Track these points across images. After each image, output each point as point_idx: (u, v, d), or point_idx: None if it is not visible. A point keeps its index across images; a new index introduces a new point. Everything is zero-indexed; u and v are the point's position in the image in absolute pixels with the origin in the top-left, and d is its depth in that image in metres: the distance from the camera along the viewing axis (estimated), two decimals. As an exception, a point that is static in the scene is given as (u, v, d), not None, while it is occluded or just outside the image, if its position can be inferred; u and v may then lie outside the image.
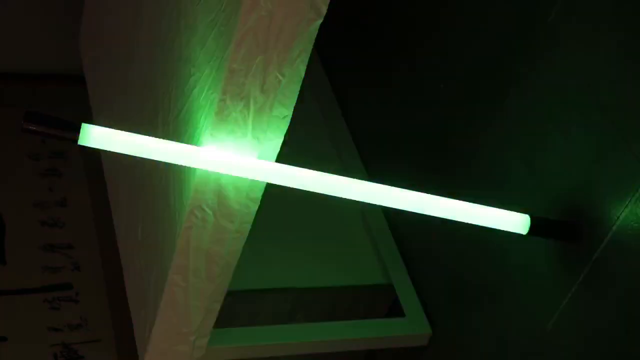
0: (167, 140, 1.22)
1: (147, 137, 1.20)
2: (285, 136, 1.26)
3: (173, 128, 1.38)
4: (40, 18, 2.36)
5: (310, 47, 1.18)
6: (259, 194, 1.32)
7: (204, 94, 1.26)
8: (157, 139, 1.21)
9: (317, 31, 1.17)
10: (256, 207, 1.33)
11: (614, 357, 1.34)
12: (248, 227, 1.36)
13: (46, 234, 2.17)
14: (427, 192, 1.33)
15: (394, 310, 1.83)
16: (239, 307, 1.70)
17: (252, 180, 1.28)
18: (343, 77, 2.17)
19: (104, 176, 1.83)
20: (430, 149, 1.82)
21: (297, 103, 1.24)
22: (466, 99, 1.72)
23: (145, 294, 1.52)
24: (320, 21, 1.16)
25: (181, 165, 1.30)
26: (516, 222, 1.38)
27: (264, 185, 1.30)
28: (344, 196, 1.30)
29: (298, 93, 1.22)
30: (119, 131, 1.19)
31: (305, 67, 1.20)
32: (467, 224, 1.37)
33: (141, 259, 1.57)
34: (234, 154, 1.25)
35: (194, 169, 1.27)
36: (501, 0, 1.62)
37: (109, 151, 1.19)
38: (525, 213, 1.39)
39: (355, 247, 1.89)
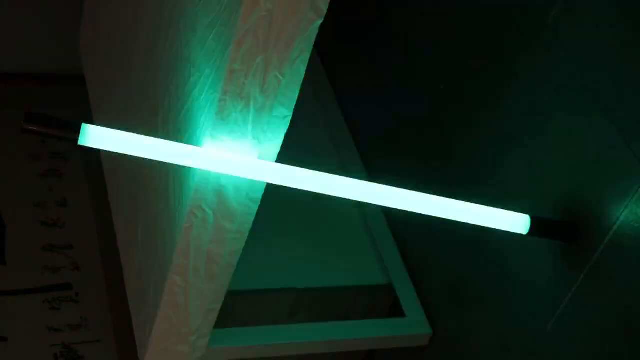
0: (167, 140, 1.22)
1: (147, 137, 1.20)
2: (285, 136, 1.26)
3: (173, 128, 1.38)
4: (40, 18, 2.36)
5: (310, 47, 1.18)
6: (259, 194, 1.32)
7: (204, 94, 1.26)
8: (157, 139, 1.21)
9: (317, 31, 1.17)
10: (256, 207, 1.33)
11: (614, 357, 1.34)
12: (248, 227, 1.36)
13: (46, 234, 2.17)
14: (427, 192, 1.33)
15: (394, 310, 1.83)
16: (239, 307, 1.70)
17: (252, 180, 1.28)
18: (343, 77, 2.17)
19: (104, 176, 1.83)
20: (431, 149, 1.83)
21: (297, 103, 1.24)
22: (466, 99, 1.72)
23: (145, 294, 1.52)
24: (320, 21, 1.16)
25: (181, 165, 1.30)
26: (516, 222, 1.38)
27: (264, 185, 1.30)
28: (344, 196, 1.30)
29: (298, 93, 1.22)
30: (119, 131, 1.19)
31: (305, 67, 1.20)
32: (467, 224, 1.37)
33: (141, 259, 1.57)
34: (234, 154, 1.25)
35: (194, 169, 1.27)
36: (502, 1, 1.62)
37: (109, 151, 1.19)
38: (525, 213, 1.39)
39: (355, 247, 1.89)
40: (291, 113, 1.24)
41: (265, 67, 1.18)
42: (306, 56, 1.19)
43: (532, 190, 1.51)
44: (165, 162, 1.22)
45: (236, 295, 1.62)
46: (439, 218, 1.35)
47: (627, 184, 1.31)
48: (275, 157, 1.27)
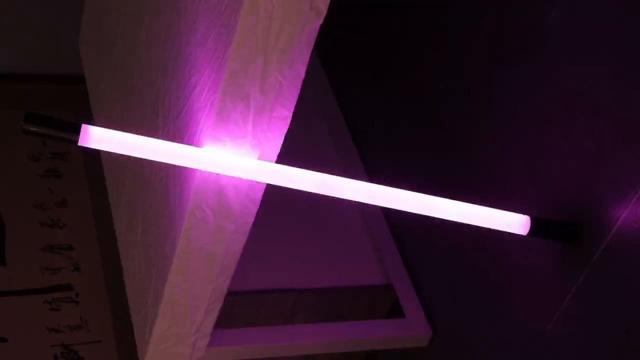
0: (167, 141, 1.22)
1: (147, 137, 1.20)
2: (285, 136, 1.26)
3: (173, 128, 1.38)
4: (40, 18, 2.36)
5: (310, 47, 1.18)
6: (258, 194, 1.32)
7: (204, 95, 1.26)
8: (157, 139, 1.21)
9: (317, 31, 1.17)
10: (256, 208, 1.33)
11: (614, 357, 1.34)
12: (248, 227, 1.36)
13: (46, 234, 2.17)
14: (428, 193, 1.33)
15: (394, 310, 1.83)
16: (239, 308, 1.70)
17: (252, 181, 1.28)
18: (343, 77, 2.17)
19: (104, 176, 1.83)
20: (431, 150, 1.82)
21: (297, 103, 1.23)
22: (466, 99, 1.72)
23: (145, 294, 1.52)
24: (320, 21, 1.16)
25: (181, 166, 1.30)
26: (516, 223, 1.38)
27: (264, 185, 1.30)
28: (344, 196, 1.30)
29: (298, 94, 1.22)
30: (119, 132, 1.19)
31: (305, 68, 1.20)
32: (468, 224, 1.37)
33: (141, 259, 1.56)
34: (234, 155, 1.25)
35: (194, 170, 1.27)
36: (502, 1, 1.62)
37: (109, 152, 1.19)
38: (525, 214, 1.39)
39: (355, 247, 1.89)
40: (291, 113, 1.24)
41: (265, 67, 1.18)
42: (306, 56, 1.19)
43: (532, 191, 1.50)
44: (165, 163, 1.22)
45: (236, 295, 1.62)
46: (439, 218, 1.35)
47: (627, 185, 1.31)
48: (275, 157, 1.27)
